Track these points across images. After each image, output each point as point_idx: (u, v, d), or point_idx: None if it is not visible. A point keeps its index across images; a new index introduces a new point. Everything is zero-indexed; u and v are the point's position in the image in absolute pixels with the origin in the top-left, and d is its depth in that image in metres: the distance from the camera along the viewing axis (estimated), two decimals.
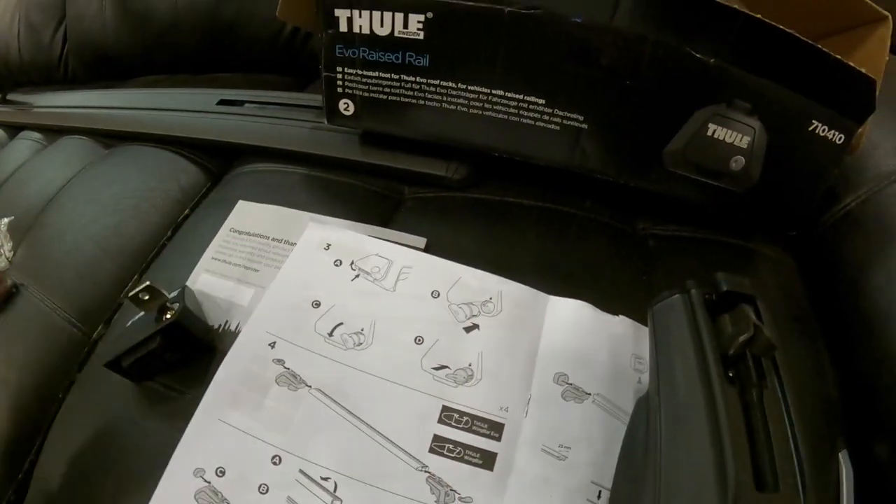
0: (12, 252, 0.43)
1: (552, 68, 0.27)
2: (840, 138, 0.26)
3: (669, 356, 0.20)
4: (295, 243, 0.29)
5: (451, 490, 0.21)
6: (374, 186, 0.34)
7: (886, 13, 0.26)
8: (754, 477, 0.16)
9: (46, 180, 0.48)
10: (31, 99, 0.60)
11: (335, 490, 0.21)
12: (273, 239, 0.30)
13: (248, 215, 0.32)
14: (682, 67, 0.25)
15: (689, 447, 0.17)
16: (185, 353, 0.26)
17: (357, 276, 0.27)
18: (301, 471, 0.21)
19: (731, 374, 0.19)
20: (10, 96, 0.64)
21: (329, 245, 0.28)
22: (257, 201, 0.32)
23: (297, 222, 0.30)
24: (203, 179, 0.39)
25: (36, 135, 0.54)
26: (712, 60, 0.25)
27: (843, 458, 0.25)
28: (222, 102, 0.38)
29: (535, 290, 0.26)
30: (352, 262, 0.27)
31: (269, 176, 0.36)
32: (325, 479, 0.21)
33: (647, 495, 0.18)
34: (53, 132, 0.53)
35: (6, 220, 0.45)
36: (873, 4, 0.27)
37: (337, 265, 0.27)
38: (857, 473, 0.24)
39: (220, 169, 0.40)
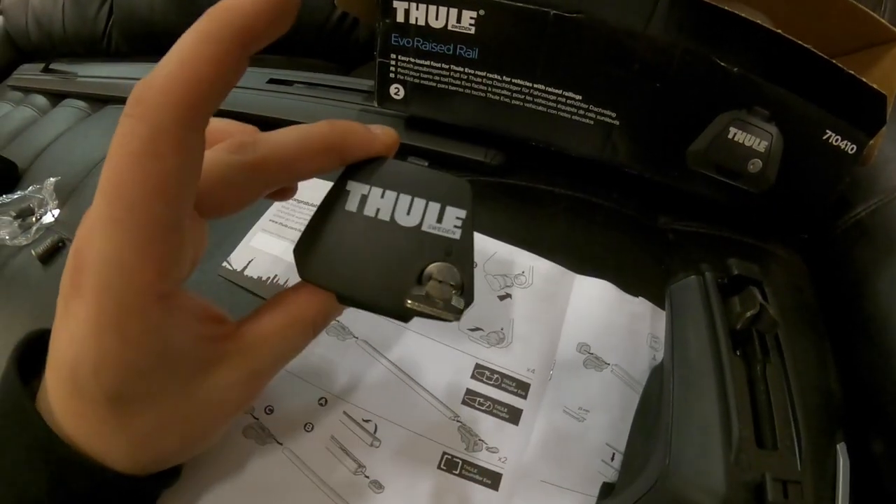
0: (58, 209, 0.46)
1: (590, 68, 0.30)
2: (852, 148, 0.29)
3: (683, 329, 0.23)
4: None
5: (480, 440, 0.24)
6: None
7: None
8: (755, 435, 0.19)
9: (91, 146, 0.51)
10: (74, 69, 0.63)
11: (375, 431, 0.24)
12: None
13: (304, 187, 0.35)
14: (708, 74, 0.28)
15: (698, 406, 0.20)
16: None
17: None
18: (345, 412, 0.24)
19: (737, 351, 0.22)
20: (53, 65, 0.68)
21: None
22: None
23: None
24: None
25: (80, 103, 0.58)
26: (735, 69, 0.28)
27: (840, 450, 0.27)
28: (272, 81, 0.41)
29: (562, 268, 0.29)
30: None
31: None
32: (367, 420, 0.24)
33: (658, 449, 0.20)
34: (98, 101, 0.56)
35: (52, 179, 0.48)
36: (889, 25, 0.30)
37: None
38: (854, 467, 0.27)
39: None
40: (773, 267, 0.35)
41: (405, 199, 0.17)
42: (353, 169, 0.18)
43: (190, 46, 0.13)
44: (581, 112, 0.31)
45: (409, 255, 0.17)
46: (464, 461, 0.23)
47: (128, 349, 0.14)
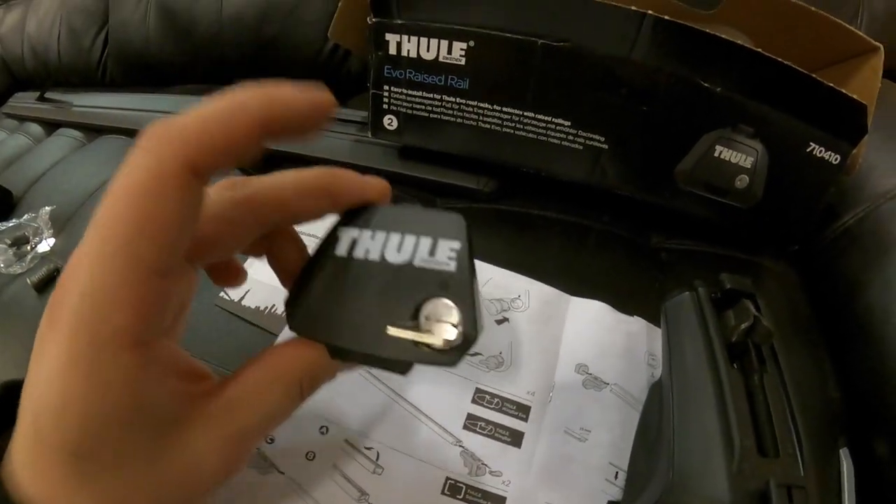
0: (53, 238, 0.47)
1: (577, 94, 0.31)
2: (836, 159, 0.30)
3: (680, 344, 0.23)
4: None
5: (483, 464, 0.24)
6: (409, 195, 0.38)
7: (878, 44, 0.31)
8: (757, 445, 0.19)
9: (87, 175, 0.52)
10: (69, 98, 0.65)
11: (377, 458, 0.24)
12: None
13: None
14: (693, 95, 0.29)
15: (699, 419, 0.20)
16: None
17: None
18: (346, 440, 0.24)
19: (734, 364, 0.22)
20: (48, 94, 0.69)
21: None
22: None
23: None
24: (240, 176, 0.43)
25: (75, 132, 0.59)
26: (719, 89, 0.29)
27: (843, 454, 0.27)
28: None
29: (558, 291, 0.30)
30: None
31: None
32: (369, 448, 0.24)
33: (661, 464, 0.21)
34: (92, 131, 0.57)
35: (48, 208, 0.49)
36: (866, 37, 0.31)
37: None
38: (858, 471, 0.27)
39: (258, 169, 0.44)
40: (766, 280, 0.36)
41: (395, 237, 0.17)
42: (345, 217, 0.17)
43: (221, 107, 0.13)
44: (570, 137, 0.32)
45: (400, 293, 0.16)
46: (467, 486, 0.23)
47: (94, 394, 0.13)
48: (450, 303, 0.15)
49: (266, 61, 0.54)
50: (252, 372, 0.16)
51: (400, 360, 0.16)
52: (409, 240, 0.16)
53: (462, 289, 0.15)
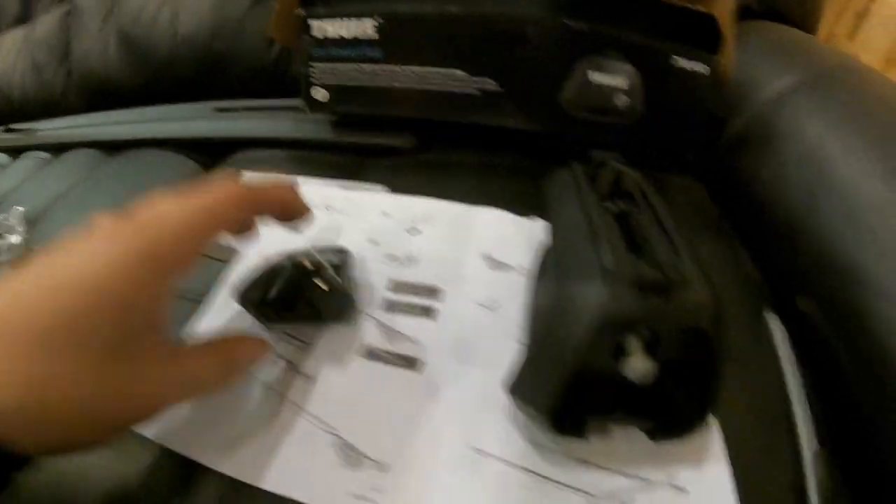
0: (25, 234, 0.51)
1: (470, 48, 0.38)
2: (704, 68, 0.36)
3: (559, 203, 0.28)
4: None
5: (399, 332, 0.28)
6: (343, 159, 0.44)
7: None
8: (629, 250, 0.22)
9: (56, 181, 0.56)
10: (32, 126, 0.70)
11: (305, 339, 0.28)
12: None
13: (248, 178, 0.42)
14: (558, 33, 0.36)
15: (576, 248, 0.23)
16: None
17: (330, 211, 0.36)
18: (286, 332, 0.28)
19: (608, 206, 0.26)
20: (11, 126, 0.74)
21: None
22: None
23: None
24: (197, 170, 0.48)
25: (41, 153, 0.64)
26: (579, 24, 0.35)
27: (769, 318, 0.32)
28: (218, 109, 0.49)
29: (467, 205, 0.35)
30: (326, 205, 0.37)
31: (257, 162, 0.46)
32: (299, 335, 0.28)
33: (551, 293, 0.24)
34: (58, 150, 0.63)
35: (20, 208, 0.53)
36: None
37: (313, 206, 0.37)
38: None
39: (215, 162, 0.50)
40: (672, 191, 0.41)
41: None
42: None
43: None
44: (467, 84, 0.39)
45: None
46: (384, 351, 0.27)
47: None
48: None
49: (218, 75, 0.60)
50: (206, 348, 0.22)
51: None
52: None
53: None
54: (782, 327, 0.32)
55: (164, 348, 0.20)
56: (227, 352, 0.23)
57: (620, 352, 0.21)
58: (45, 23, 0.74)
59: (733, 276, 0.35)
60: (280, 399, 0.25)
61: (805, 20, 0.55)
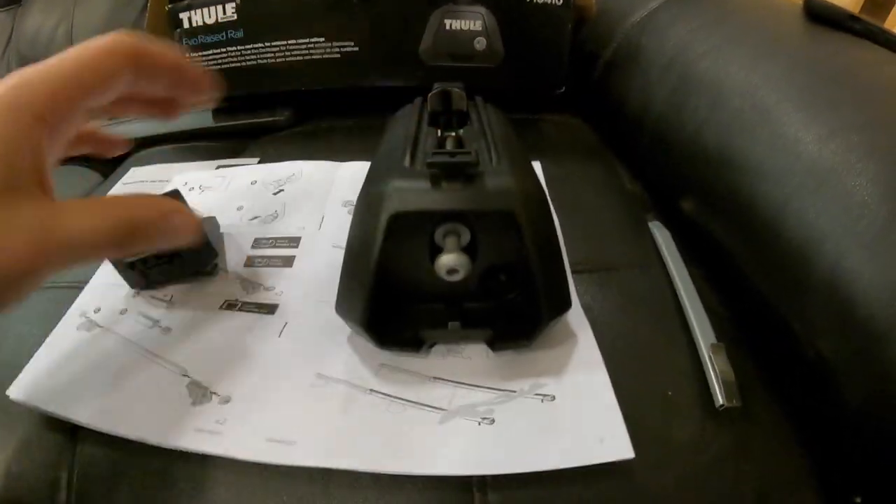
0: None
1: (323, 15, 0.41)
2: (559, 1, 0.40)
3: (389, 131, 0.31)
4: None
5: (258, 284, 0.31)
6: (226, 144, 0.47)
7: None
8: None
9: None
10: None
11: (171, 299, 0.31)
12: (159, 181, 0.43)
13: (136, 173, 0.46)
14: None
15: (387, 160, 0.26)
16: None
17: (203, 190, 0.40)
18: (151, 295, 0.31)
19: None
20: None
21: (186, 182, 0.42)
22: None
23: (173, 172, 0.43)
24: (102, 180, 0.53)
25: None
26: None
27: (653, 226, 0.35)
28: (113, 119, 0.54)
29: (331, 161, 0.39)
30: (200, 185, 0.40)
31: (149, 159, 0.49)
32: (166, 295, 0.31)
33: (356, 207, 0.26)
34: None
35: None
36: None
37: (190, 189, 0.40)
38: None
39: (112, 168, 0.54)
40: (550, 130, 0.45)
41: None
42: None
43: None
44: (328, 50, 0.42)
45: None
46: (243, 302, 0.30)
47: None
48: None
49: None
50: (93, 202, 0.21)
51: None
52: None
53: None
54: (667, 232, 0.34)
55: (47, 202, 0.19)
56: (123, 208, 0.21)
57: (434, 251, 0.23)
58: None
59: (613, 193, 0.38)
60: (139, 350, 0.28)
61: None
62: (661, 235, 0.34)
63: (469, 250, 0.23)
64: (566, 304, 0.24)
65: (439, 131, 0.29)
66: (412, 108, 0.32)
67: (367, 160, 0.38)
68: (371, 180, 0.25)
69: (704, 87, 0.35)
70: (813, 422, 0.26)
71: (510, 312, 0.25)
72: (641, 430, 0.23)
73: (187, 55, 0.24)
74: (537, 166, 0.37)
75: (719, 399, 0.25)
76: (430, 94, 0.30)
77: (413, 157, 0.24)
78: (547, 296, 0.23)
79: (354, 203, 0.34)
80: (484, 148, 0.25)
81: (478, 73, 0.42)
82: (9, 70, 0.80)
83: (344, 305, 0.25)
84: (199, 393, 0.26)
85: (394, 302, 0.24)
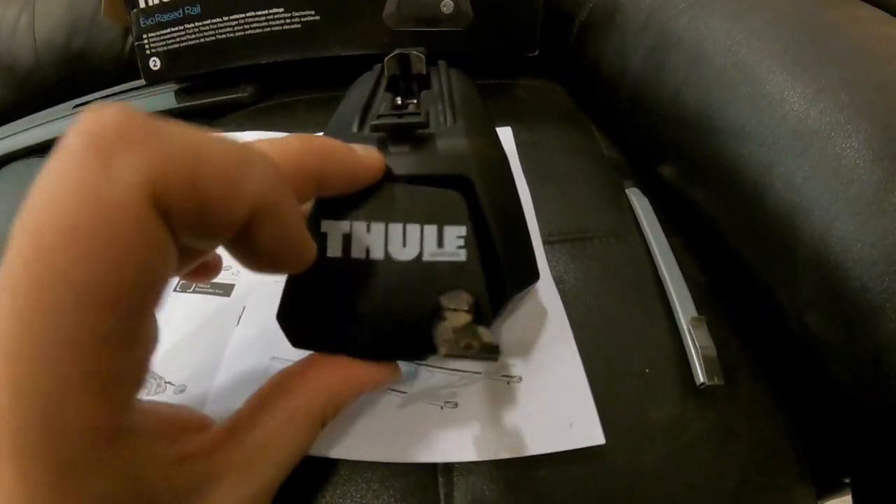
0: None
1: None
2: None
3: (346, 97, 0.29)
4: None
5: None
6: (192, 123, 0.47)
7: None
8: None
9: None
10: None
11: None
12: None
13: None
14: None
15: (338, 124, 0.24)
16: None
17: None
18: None
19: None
20: None
21: None
22: None
23: None
24: None
25: None
26: None
27: (631, 193, 0.34)
28: (77, 106, 0.53)
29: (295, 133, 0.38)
30: None
31: None
32: None
33: None
34: None
35: None
36: None
37: None
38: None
39: None
40: (526, 96, 0.43)
41: (396, 227, 0.16)
42: (323, 205, 0.17)
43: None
44: (288, 20, 0.41)
45: (417, 292, 0.16)
46: (196, 285, 0.30)
47: None
48: (464, 292, 0.16)
49: (80, 74, 0.64)
50: (271, 412, 0.15)
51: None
52: (413, 230, 0.16)
53: (474, 276, 0.16)
54: (645, 199, 0.33)
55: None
56: (301, 398, 0.16)
57: None
58: None
59: (589, 160, 0.37)
60: None
61: None
62: (640, 203, 0.33)
63: None
64: (533, 276, 0.23)
65: (399, 99, 0.28)
66: (370, 75, 0.31)
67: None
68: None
69: (684, 46, 0.34)
70: (800, 400, 0.25)
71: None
72: (616, 411, 0.22)
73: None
74: (508, 132, 0.36)
75: (700, 377, 0.24)
76: (386, 59, 0.29)
77: (362, 122, 0.23)
78: (509, 267, 0.22)
79: None
80: (440, 111, 0.24)
81: (445, 37, 0.40)
82: None
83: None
84: (154, 384, 0.25)
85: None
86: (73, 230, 0.09)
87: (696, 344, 0.25)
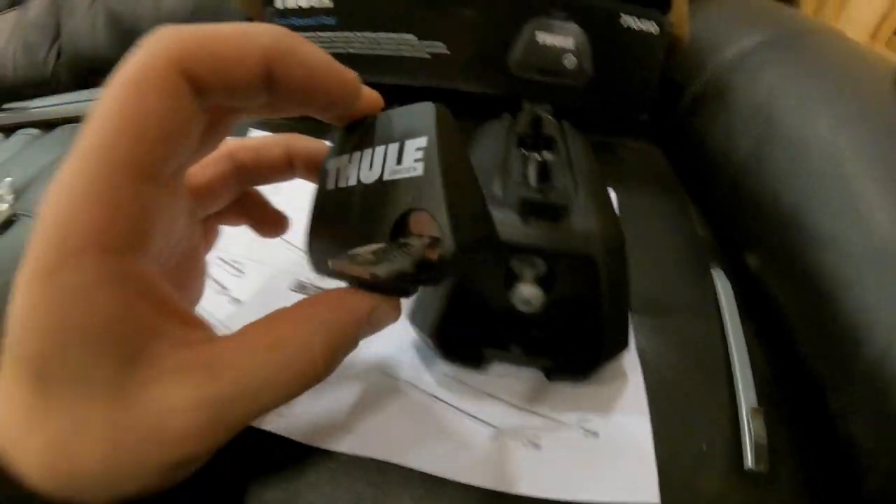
0: (13, 201, 0.60)
1: (416, 12, 0.44)
2: (654, 27, 0.41)
3: (478, 147, 0.33)
4: None
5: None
6: (307, 125, 0.51)
7: None
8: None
9: (43, 153, 0.65)
10: (25, 105, 0.81)
11: (241, 267, 0.34)
12: None
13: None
14: None
15: (483, 172, 0.26)
16: None
17: None
18: (219, 257, 0.35)
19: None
20: (4, 106, 0.85)
21: None
22: None
23: None
24: None
25: (32, 130, 0.74)
26: None
27: (716, 273, 0.37)
28: None
29: None
30: None
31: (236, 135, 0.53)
32: (235, 261, 0.35)
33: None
34: (49, 126, 0.73)
35: (9, 179, 0.62)
36: None
37: None
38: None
39: None
40: (627, 156, 0.47)
41: (367, 153, 0.17)
42: (336, 144, 0.19)
43: (233, 29, 0.15)
44: (418, 48, 0.45)
45: (376, 216, 0.16)
46: (314, 286, 0.33)
47: (53, 303, 0.13)
48: (426, 214, 0.15)
49: None
50: (254, 332, 0.16)
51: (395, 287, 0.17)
52: (379, 152, 0.17)
53: (433, 193, 0.15)
54: (728, 282, 0.36)
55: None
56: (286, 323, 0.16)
57: (511, 278, 0.25)
58: (37, 5, 0.86)
59: (682, 234, 0.40)
60: (209, 316, 0.30)
61: None
62: (722, 285, 0.36)
63: (543, 282, 0.25)
64: (624, 345, 0.27)
65: (524, 151, 0.31)
66: (500, 125, 0.34)
67: None
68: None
69: (789, 144, 0.37)
70: (833, 496, 0.28)
71: (570, 344, 0.27)
72: (671, 477, 0.26)
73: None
74: (613, 196, 0.39)
75: (749, 462, 0.27)
76: (520, 116, 0.32)
77: (504, 184, 0.26)
78: (609, 335, 0.26)
79: None
80: (570, 182, 0.27)
81: (563, 90, 0.44)
82: (94, 22, 0.86)
83: (417, 314, 0.28)
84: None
85: (463, 318, 0.27)
86: (121, 86, 0.13)
87: (751, 433, 0.28)
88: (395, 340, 0.30)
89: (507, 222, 0.24)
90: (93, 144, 0.13)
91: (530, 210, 0.24)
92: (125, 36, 0.75)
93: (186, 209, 0.18)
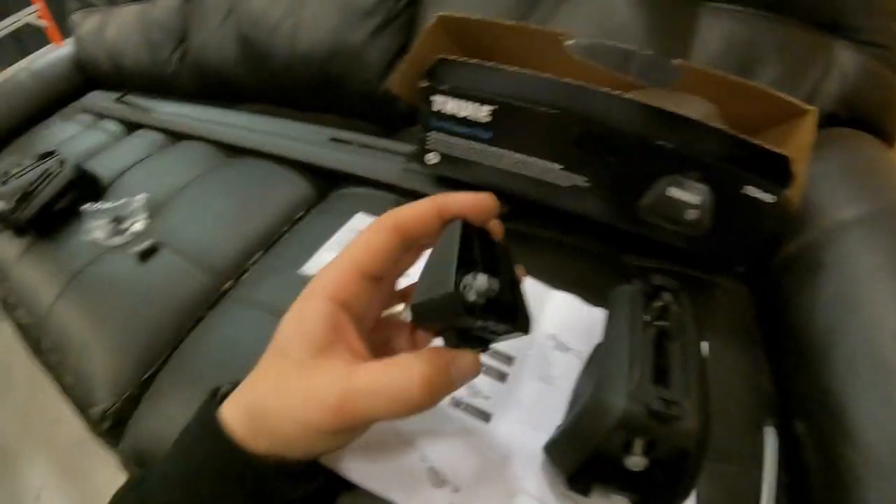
0: (148, 220, 0.67)
1: (567, 146, 0.49)
2: (771, 198, 0.45)
3: (615, 317, 0.38)
4: None
5: (477, 390, 0.41)
6: None
7: (811, 108, 0.47)
8: (654, 377, 0.32)
9: (176, 172, 0.70)
10: (147, 104, 0.86)
11: None
12: None
13: (360, 221, 0.56)
14: (649, 150, 0.46)
15: (617, 360, 0.34)
16: None
17: None
18: None
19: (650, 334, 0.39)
20: (127, 98, 0.91)
21: None
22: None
23: None
24: (312, 193, 0.62)
25: (155, 135, 0.80)
26: (671, 146, 0.45)
27: (768, 431, 0.41)
28: (334, 140, 0.63)
29: (541, 283, 0.48)
30: None
31: (365, 198, 0.59)
32: None
33: (591, 391, 0.36)
34: (171, 135, 0.78)
35: (144, 195, 0.69)
36: (801, 103, 0.48)
37: None
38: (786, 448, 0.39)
39: (324, 188, 0.63)
40: (717, 294, 0.52)
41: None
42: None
43: (424, 207, 0.28)
44: (561, 177, 0.51)
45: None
46: (466, 403, 0.40)
47: (298, 314, 0.27)
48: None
49: (330, 93, 0.72)
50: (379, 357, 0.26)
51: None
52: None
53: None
54: (775, 443, 0.40)
55: (347, 363, 0.26)
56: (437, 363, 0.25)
57: (628, 446, 0.32)
58: (165, 6, 0.90)
59: (747, 384, 0.44)
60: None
61: (889, 132, 0.64)
62: (770, 445, 0.40)
63: (648, 447, 0.32)
64: (690, 493, 0.33)
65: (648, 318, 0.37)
66: (629, 296, 0.39)
67: (570, 286, 0.48)
68: (602, 380, 0.34)
69: (854, 341, 0.42)
70: None
71: (655, 490, 0.34)
72: None
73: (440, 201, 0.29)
74: (705, 346, 0.45)
75: None
76: (652, 304, 0.38)
77: (632, 373, 0.32)
78: (682, 490, 0.32)
79: (558, 338, 0.44)
80: (682, 380, 0.33)
81: (682, 237, 0.49)
82: (223, 40, 0.90)
83: (555, 453, 0.35)
84: (438, 479, 0.36)
85: (590, 468, 0.34)
86: (369, 229, 0.29)
87: None
88: (531, 460, 0.38)
89: (635, 414, 0.31)
90: (349, 252, 0.28)
91: (653, 412, 0.31)
92: (255, 61, 0.80)
93: (387, 294, 0.32)
